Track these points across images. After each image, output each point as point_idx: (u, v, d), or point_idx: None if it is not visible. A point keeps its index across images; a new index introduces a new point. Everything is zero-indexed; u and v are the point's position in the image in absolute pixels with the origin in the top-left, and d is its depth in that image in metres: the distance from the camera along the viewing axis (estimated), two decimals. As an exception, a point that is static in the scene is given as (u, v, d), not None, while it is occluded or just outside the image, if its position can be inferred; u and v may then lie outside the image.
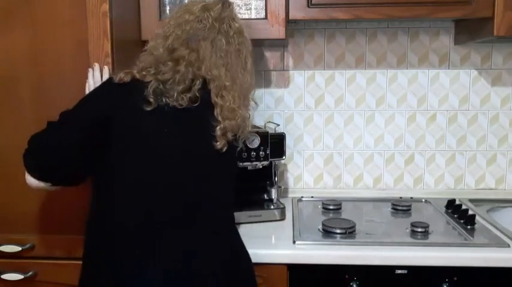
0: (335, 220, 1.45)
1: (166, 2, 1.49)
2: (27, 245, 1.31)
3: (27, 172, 1.06)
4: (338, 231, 1.37)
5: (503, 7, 1.41)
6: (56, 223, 1.31)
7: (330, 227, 1.38)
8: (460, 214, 1.50)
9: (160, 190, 1.04)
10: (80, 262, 1.30)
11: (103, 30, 1.22)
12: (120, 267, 1.01)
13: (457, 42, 1.75)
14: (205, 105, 1.08)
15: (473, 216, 1.46)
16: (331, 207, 1.64)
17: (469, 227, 1.43)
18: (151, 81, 1.06)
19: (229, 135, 1.08)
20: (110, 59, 1.23)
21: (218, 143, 1.07)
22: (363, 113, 1.82)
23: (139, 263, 1.00)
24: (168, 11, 1.49)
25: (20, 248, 1.30)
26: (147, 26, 1.47)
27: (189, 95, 1.06)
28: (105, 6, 1.22)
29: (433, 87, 1.79)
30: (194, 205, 1.06)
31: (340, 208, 1.64)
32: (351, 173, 1.84)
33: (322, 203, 1.66)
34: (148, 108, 1.04)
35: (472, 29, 1.60)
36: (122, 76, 1.06)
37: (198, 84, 1.08)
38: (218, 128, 1.07)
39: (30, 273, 1.31)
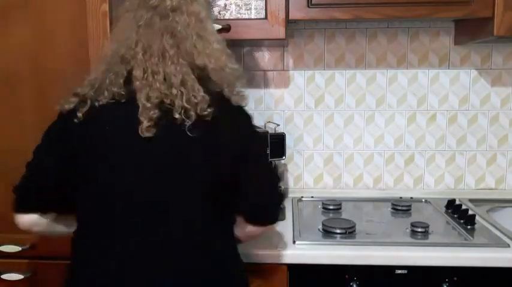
0: (335, 220, 1.45)
1: (166, 2, 1.48)
2: (27, 245, 1.31)
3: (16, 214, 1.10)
4: (338, 231, 1.37)
5: (503, 7, 1.41)
6: (56, 223, 1.31)
7: (330, 227, 1.38)
8: (460, 214, 1.50)
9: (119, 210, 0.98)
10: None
11: (103, 30, 1.22)
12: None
13: (457, 42, 1.75)
14: (132, 96, 0.97)
15: (473, 216, 1.46)
16: (331, 207, 1.64)
17: (469, 227, 1.43)
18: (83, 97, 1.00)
19: (152, 114, 0.94)
20: (110, 59, 1.23)
21: (142, 125, 0.93)
22: (363, 113, 1.82)
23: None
24: (168, 11, 1.49)
25: (20, 248, 1.30)
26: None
27: (116, 85, 0.98)
28: (105, 6, 1.22)
29: (433, 88, 1.79)
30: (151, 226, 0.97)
31: (340, 208, 1.64)
32: (351, 173, 1.84)
33: (322, 203, 1.66)
34: (76, 120, 0.98)
35: (472, 29, 1.60)
36: (62, 103, 1.02)
37: (123, 68, 0.99)
38: (140, 108, 0.95)
39: (30, 273, 1.31)
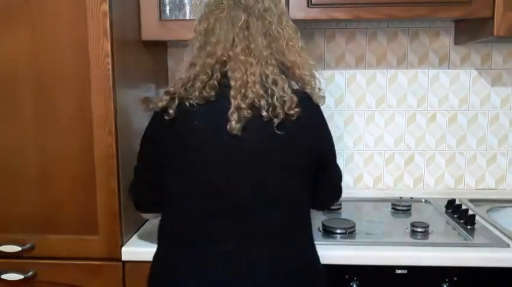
0: (335, 220, 1.45)
1: (166, 2, 1.49)
2: (27, 245, 1.31)
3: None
4: (338, 231, 1.38)
5: (503, 7, 1.41)
6: (56, 223, 1.31)
7: (330, 227, 1.38)
8: (460, 214, 1.50)
9: (217, 195, 1.02)
10: (80, 262, 1.31)
11: (103, 30, 1.22)
12: (184, 266, 1.03)
13: (457, 42, 1.75)
14: (225, 94, 1.01)
15: (473, 216, 1.46)
16: (331, 207, 1.63)
17: (469, 227, 1.43)
18: (174, 94, 1.04)
19: (246, 113, 0.98)
20: (109, 59, 1.23)
21: (232, 123, 0.97)
22: (363, 113, 1.82)
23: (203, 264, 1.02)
24: (168, 11, 1.49)
25: (20, 248, 1.30)
26: (147, 26, 1.47)
27: (209, 84, 1.01)
28: (105, 6, 1.22)
29: (433, 87, 1.79)
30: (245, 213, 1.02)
31: (340, 208, 1.63)
32: (351, 173, 1.84)
33: (322, 203, 1.65)
34: (167, 118, 1.02)
35: (472, 29, 1.60)
36: (155, 101, 1.06)
37: (217, 69, 1.02)
38: (231, 107, 0.98)
39: (30, 273, 1.31)
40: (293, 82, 1.07)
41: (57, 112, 1.27)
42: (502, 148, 1.81)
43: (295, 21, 1.58)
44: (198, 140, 1.02)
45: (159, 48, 1.69)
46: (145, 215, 1.31)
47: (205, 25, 1.07)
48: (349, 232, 1.38)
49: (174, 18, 1.49)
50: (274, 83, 1.01)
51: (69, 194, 1.29)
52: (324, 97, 1.10)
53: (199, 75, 1.02)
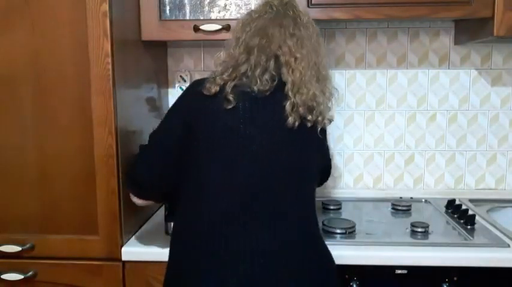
0: (335, 220, 1.45)
1: (166, 2, 1.49)
2: (27, 245, 1.31)
3: (132, 195, 1.20)
4: (338, 231, 1.38)
5: (503, 7, 1.41)
6: (56, 223, 1.31)
7: (330, 227, 1.39)
8: (460, 214, 1.50)
9: (243, 190, 1.04)
10: (80, 262, 1.31)
11: (103, 30, 1.22)
12: (204, 266, 1.03)
13: (457, 42, 1.75)
14: (279, 88, 1.07)
15: (473, 216, 1.46)
16: (331, 207, 1.64)
17: (469, 227, 1.43)
18: (228, 81, 1.06)
19: (301, 111, 1.05)
20: (109, 59, 1.23)
21: (290, 119, 1.04)
22: (362, 113, 1.82)
23: (223, 265, 1.02)
24: (168, 11, 1.49)
25: (20, 248, 1.30)
26: (147, 26, 1.47)
27: (266, 76, 1.05)
28: (105, 6, 1.22)
29: (433, 87, 1.79)
30: (276, 203, 1.06)
31: (340, 208, 1.64)
32: (351, 173, 1.84)
33: (322, 203, 1.66)
34: (229, 106, 1.04)
35: (472, 29, 1.60)
36: (208, 86, 1.07)
37: (272, 63, 1.07)
38: (288, 103, 1.05)
39: (30, 273, 1.31)
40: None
41: (57, 112, 1.27)
42: (502, 148, 1.81)
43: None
44: (245, 135, 1.04)
45: (159, 48, 1.70)
46: (139, 202, 1.22)
47: (255, 24, 1.11)
48: (349, 232, 1.38)
49: (174, 18, 1.49)
50: (322, 90, 1.10)
51: (69, 194, 1.29)
52: (332, 120, 1.18)
53: (257, 67, 1.06)
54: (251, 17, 1.14)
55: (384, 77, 1.79)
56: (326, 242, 1.32)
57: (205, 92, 1.06)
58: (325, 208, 1.64)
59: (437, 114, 1.80)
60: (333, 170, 1.83)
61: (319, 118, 1.08)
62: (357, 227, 1.40)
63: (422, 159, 1.83)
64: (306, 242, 1.09)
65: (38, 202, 1.31)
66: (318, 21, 1.72)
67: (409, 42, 1.77)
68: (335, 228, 1.38)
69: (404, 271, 1.26)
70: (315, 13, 1.46)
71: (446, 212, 1.58)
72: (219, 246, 1.02)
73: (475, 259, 1.25)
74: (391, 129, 1.82)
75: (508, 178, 1.82)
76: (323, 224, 1.40)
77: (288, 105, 1.05)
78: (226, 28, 1.44)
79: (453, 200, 1.62)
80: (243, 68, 1.07)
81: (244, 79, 1.06)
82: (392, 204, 1.65)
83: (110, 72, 1.24)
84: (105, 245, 1.30)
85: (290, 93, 1.05)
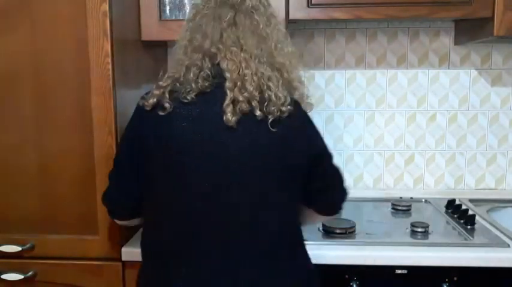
0: (335, 220, 1.44)
1: (166, 2, 1.49)
2: (27, 245, 1.31)
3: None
4: (338, 231, 1.37)
5: (503, 7, 1.41)
6: (56, 223, 1.31)
7: (330, 227, 1.38)
8: (460, 214, 1.50)
9: (199, 206, 0.97)
10: (80, 262, 1.31)
11: (103, 30, 1.22)
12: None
13: (457, 42, 1.75)
14: (220, 85, 0.98)
15: (473, 216, 1.46)
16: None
17: (469, 227, 1.43)
18: (164, 89, 1.00)
19: (244, 106, 0.95)
20: (109, 59, 1.23)
21: (228, 115, 0.94)
22: (362, 113, 1.82)
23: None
24: (168, 11, 1.49)
25: (20, 248, 1.30)
26: (147, 26, 1.47)
27: (203, 75, 0.98)
28: (105, 6, 1.22)
29: (433, 87, 1.79)
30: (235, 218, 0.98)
31: (340, 208, 1.64)
32: (351, 173, 1.84)
33: (322, 203, 1.65)
34: (164, 114, 0.98)
35: (472, 29, 1.60)
36: (147, 99, 1.01)
37: (207, 60, 1.00)
38: (227, 99, 0.95)
39: (30, 273, 1.31)
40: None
41: (57, 112, 1.27)
42: (502, 148, 1.81)
43: (295, 21, 1.60)
44: (189, 141, 0.97)
45: (159, 48, 1.69)
46: (120, 222, 1.20)
47: (190, 24, 1.04)
48: (349, 232, 1.38)
49: (174, 18, 1.49)
50: (270, 79, 0.98)
51: (69, 194, 1.29)
52: (312, 104, 1.08)
53: (190, 68, 0.99)
54: (190, 16, 1.06)
55: (383, 77, 1.79)
56: (326, 242, 1.33)
57: (146, 107, 1.01)
58: (325, 208, 1.64)
59: (437, 114, 1.80)
60: (333, 170, 1.84)
61: (273, 108, 0.96)
62: (357, 227, 1.40)
63: (422, 159, 1.83)
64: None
65: (38, 202, 1.31)
66: (318, 21, 1.73)
67: (409, 42, 1.77)
68: (335, 228, 1.38)
69: (404, 271, 1.26)
70: (315, 13, 1.47)
71: (446, 212, 1.58)
72: (191, 263, 0.99)
73: (475, 259, 1.25)
74: (391, 129, 1.82)
75: (508, 178, 1.82)
76: (323, 224, 1.40)
77: (226, 102, 0.95)
78: (226, 28, 1.44)
79: (453, 200, 1.62)
80: (178, 73, 1.01)
81: (178, 84, 1.00)
82: (392, 204, 1.65)
83: (110, 72, 1.24)
84: (105, 245, 1.30)
85: (227, 89, 0.96)
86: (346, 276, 1.26)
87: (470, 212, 1.48)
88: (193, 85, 0.98)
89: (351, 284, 1.26)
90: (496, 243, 1.30)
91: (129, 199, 1.09)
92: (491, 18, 1.43)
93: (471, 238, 1.35)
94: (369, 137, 1.83)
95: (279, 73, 1.02)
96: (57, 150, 1.28)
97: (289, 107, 0.97)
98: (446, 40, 1.77)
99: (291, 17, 1.47)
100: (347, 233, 1.37)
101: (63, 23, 1.24)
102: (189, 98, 0.97)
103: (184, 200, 0.98)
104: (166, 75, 1.03)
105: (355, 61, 1.79)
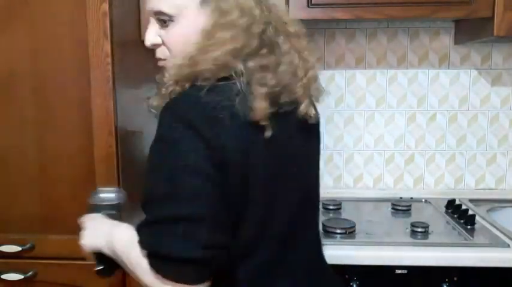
0: (335, 220, 1.45)
1: (166, 2, 1.48)
2: (27, 245, 1.31)
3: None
4: (338, 231, 1.37)
5: (503, 7, 1.41)
6: (56, 223, 1.31)
7: (330, 227, 1.38)
8: (460, 214, 1.50)
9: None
10: (80, 262, 1.31)
11: (103, 30, 1.22)
12: None
13: (457, 42, 1.75)
14: None
15: (473, 216, 1.46)
16: (331, 207, 1.63)
17: (469, 227, 1.43)
18: None
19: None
20: (109, 59, 1.23)
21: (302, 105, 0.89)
22: (362, 113, 1.82)
23: None
24: (168, 11, 1.48)
25: (20, 248, 1.30)
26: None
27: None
28: (105, 6, 1.21)
29: (433, 87, 1.79)
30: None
31: (340, 208, 1.64)
32: (351, 173, 1.84)
33: (322, 203, 1.65)
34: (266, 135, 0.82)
35: (472, 29, 1.60)
36: None
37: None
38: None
39: (30, 273, 1.31)
40: None
41: (57, 112, 1.27)
42: (502, 148, 1.81)
43: (295, 21, 1.59)
44: (278, 163, 0.83)
45: (159, 48, 1.69)
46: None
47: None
48: (349, 232, 1.38)
49: (174, 18, 1.49)
50: (314, 78, 0.90)
51: (69, 194, 1.30)
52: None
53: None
54: None
55: (383, 77, 1.79)
56: (326, 242, 1.33)
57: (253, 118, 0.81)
58: (325, 208, 1.64)
59: (437, 114, 1.80)
60: (333, 170, 1.85)
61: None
62: (357, 227, 1.40)
63: (422, 159, 1.83)
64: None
65: (38, 202, 1.31)
66: (318, 21, 1.73)
67: (409, 42, 1.77)
68: (335, 228, 1.38)
69: (404, 271, 1.26)
70: (315, 13, 1.46)
71: (446, 212, 1.58)
72: None
73: (475, 259, 1.25)
74: (391, 129, 1.82)
75: (508, 178, 1.82)
76: (323, 224, 1.40)
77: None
78: (226, 28, 1.44)
79: (453, 200, 1.62)
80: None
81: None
82: (392, 204, 1.65)
83: (110, 72, 1.23)
84: (105, 245, 1.30)
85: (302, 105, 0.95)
86: (346, 276, 1.26)
87: (470, 212, 1.48)
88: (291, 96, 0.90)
89: (351, 284, 1.26)
90: (496, 243, 1.30)
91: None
92: (492, 18, 1.42)
93: (471, 238, 1.35)
94: (369, 137, 1.83)
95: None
96: (57, 150, 1.28)
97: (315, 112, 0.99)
98: (446, 40, 1.77)
99: (291, 17, 1.46)
100: (347, 233, 1.37)
101: (63, 23, 1.24)
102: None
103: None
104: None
105: (355, 61, 1.79)
